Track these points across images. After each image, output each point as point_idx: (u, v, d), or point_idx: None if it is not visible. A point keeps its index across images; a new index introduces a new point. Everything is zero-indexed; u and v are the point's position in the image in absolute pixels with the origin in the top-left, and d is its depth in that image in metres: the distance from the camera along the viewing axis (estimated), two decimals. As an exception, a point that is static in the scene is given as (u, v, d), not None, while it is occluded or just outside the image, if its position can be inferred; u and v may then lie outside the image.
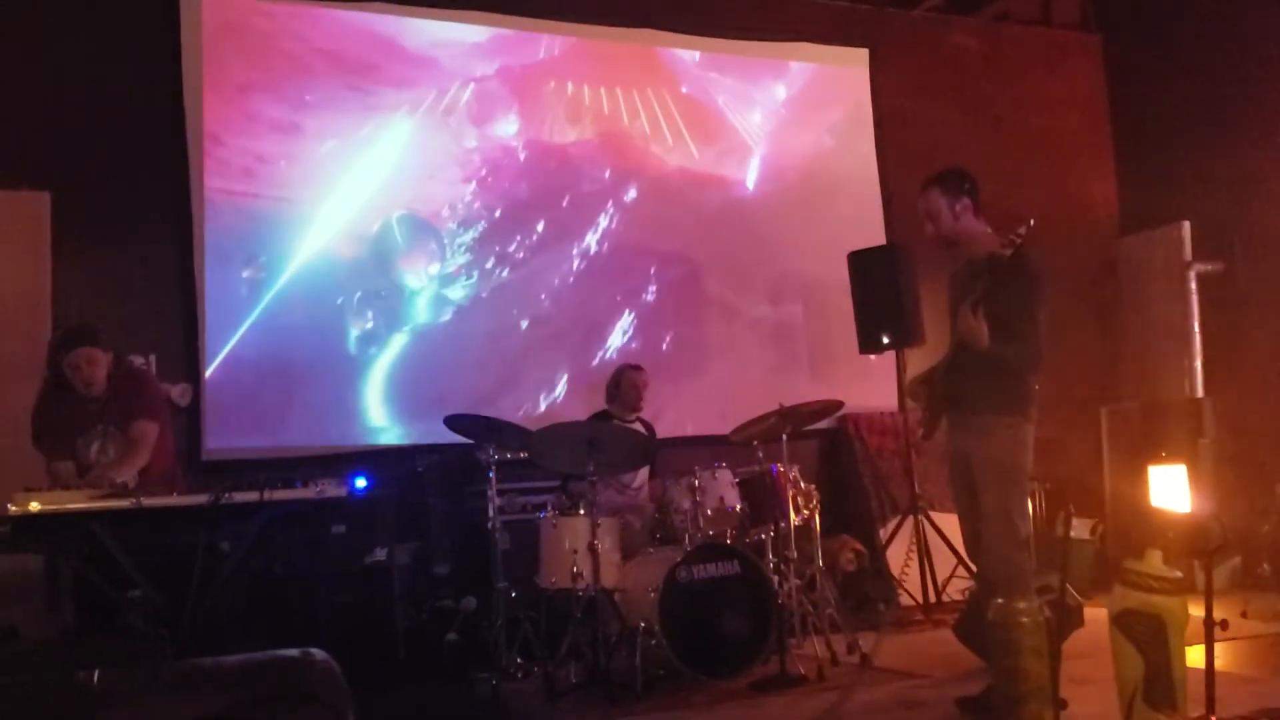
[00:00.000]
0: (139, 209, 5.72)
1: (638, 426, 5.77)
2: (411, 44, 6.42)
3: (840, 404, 5.51)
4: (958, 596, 5.79)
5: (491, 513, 4.89)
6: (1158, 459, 6.53)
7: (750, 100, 7.20)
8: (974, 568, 4.27)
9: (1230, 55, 7.17)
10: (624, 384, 5.79)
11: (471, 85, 6.52)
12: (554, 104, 6.72)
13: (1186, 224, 7.18)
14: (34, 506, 3.52)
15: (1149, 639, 2.98)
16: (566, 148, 6.71)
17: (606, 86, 6.85)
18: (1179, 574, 3.08)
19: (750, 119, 7.19)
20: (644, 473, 5.68)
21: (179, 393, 5.64)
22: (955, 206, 4.03)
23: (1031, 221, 3.84)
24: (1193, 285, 7.07)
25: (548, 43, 6.76)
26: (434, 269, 6.32)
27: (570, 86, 6.77)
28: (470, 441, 5.08)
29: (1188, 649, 3.10)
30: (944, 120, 7.47)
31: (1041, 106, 7.90)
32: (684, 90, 7.05)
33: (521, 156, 6.60)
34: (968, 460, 3.98)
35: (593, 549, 4.55)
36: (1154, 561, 3.07)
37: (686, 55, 7.07)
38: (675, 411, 6.61)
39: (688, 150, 6.98)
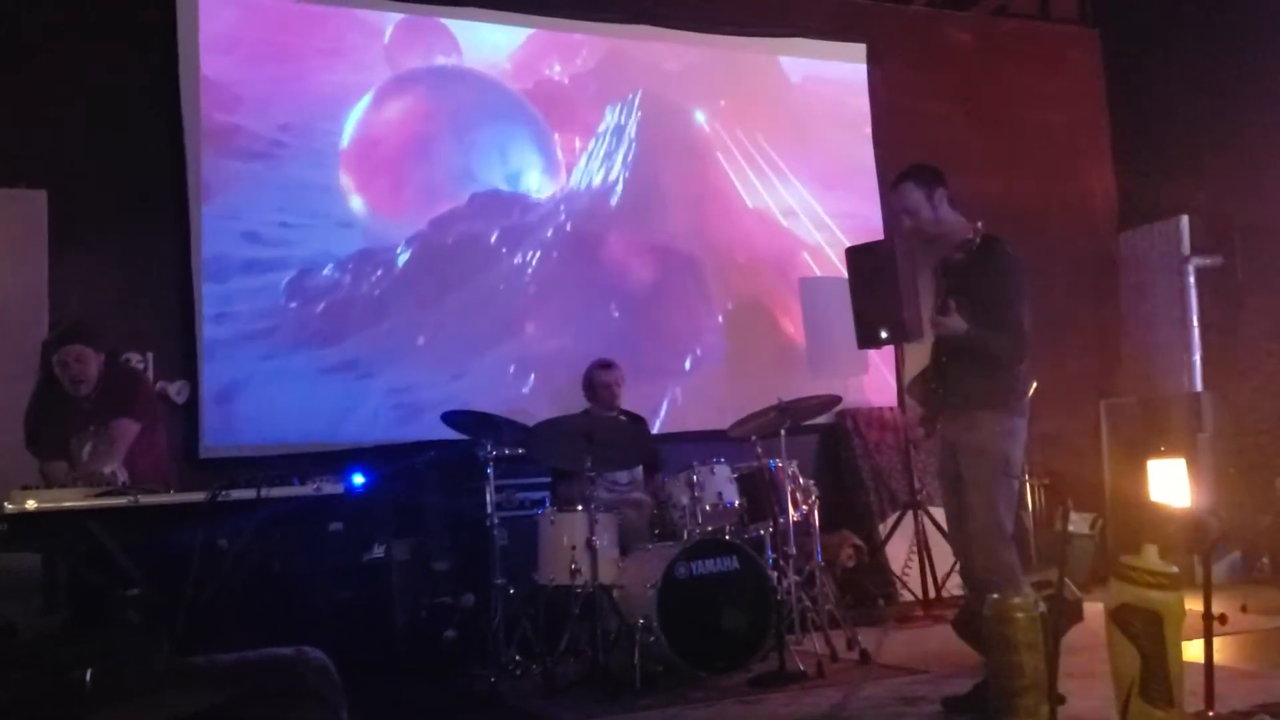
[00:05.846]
0: (136, 206, 5.70)
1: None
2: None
3: (838, 399, 5.52)
4: (957, 592, 5.78)
5: (489, 509, 4.89)
6: (1157, 453, 6.53)
7: (747, 96, 7.19)
8: (960, 562, 4.23)
9: (1228, 48, 7.15)
10: (596, 384, 5.67)
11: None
12: (546, 89, 6.71)
13: (1185, 218, 7.18)
14: (30, 505, 3.52)
15: (1146, 634, 2.97)
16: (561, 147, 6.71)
17: (605, 82, 6.85)
18: (1175, 569, 3.07)
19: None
20: (637, 470, 5.64)
21: (176, 390, 5.63)
22: (933, 197, 3.96)
23: (980, 224, 3.83)
24: (1191, 279, 7.07)
25: (539, 37, 6.73)
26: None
27: (566, 79, 6.77)
28: (467, 438, 5.08)
29: (1186, 643, 3.10)
30: (942, 115, 7.45)
31: (1039, 101, 7.87)
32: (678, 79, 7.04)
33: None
34: (954, 454, 3.92)
35: (591, 545, 4.55)
36: (1150, 556, 3.06)
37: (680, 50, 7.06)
38: (673, 407, 6.60)
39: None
